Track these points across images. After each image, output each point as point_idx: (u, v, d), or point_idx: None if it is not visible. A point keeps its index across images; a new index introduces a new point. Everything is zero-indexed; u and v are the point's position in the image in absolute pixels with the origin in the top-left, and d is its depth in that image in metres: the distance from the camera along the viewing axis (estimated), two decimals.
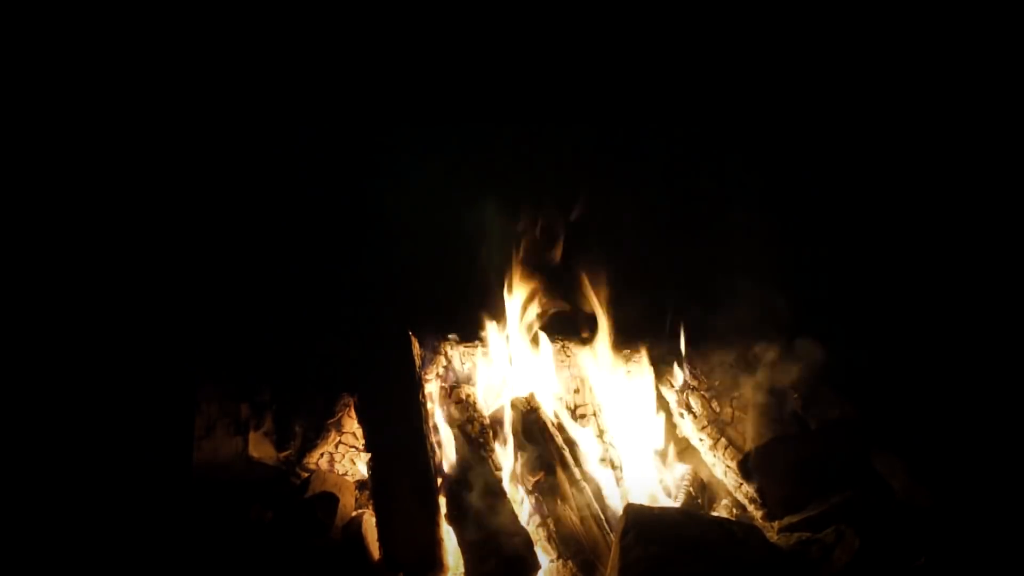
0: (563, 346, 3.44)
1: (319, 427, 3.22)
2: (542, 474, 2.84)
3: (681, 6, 4.10)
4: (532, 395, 3.13)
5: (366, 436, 2.88)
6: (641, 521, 2.35)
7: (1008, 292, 3.50)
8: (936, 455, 2.81)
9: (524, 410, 3.05)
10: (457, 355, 3.34)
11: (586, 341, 3.42)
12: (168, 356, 3.39)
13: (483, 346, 3.34)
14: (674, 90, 4.12)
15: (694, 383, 3.31)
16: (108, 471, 3.02)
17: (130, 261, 3.66)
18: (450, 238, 3.75)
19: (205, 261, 3.78)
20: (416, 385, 2.93)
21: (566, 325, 3.53)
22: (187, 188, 3.89)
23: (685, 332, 3.36)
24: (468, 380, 3.30)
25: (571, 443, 3.03)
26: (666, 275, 3.69)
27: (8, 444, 3.04)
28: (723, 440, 3.11)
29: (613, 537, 2.52)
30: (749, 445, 3.04)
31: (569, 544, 2.64)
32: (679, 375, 3.34)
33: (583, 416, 3.33)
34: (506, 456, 2.95)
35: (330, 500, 2.86)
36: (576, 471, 2.87)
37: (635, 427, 3.26)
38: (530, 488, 2.84)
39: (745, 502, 2.99)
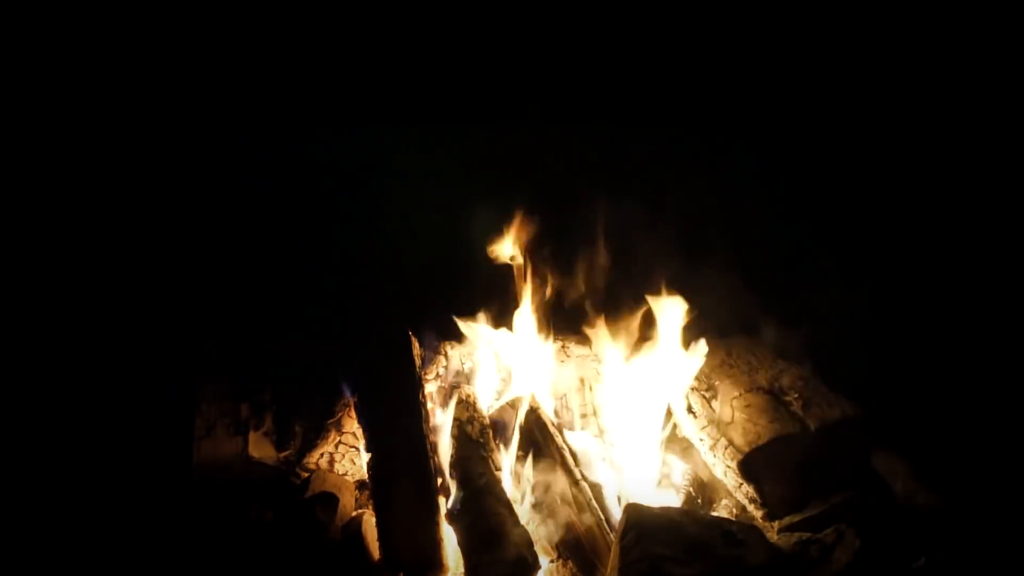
0: (563, 346, 3.44)
1: (319, 427, 3.22)
2: (542, 474, 2.84)
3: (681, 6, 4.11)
4: (532, 395, 3.13)
5: (366, 436, 2.88)
6: (641, 521, 2.35)
7: (1009, 292, 3.50)
8: (937, 455, 2.81)
9: (524, 410, 3.05)
10: (457, 355, 3.35)
11: (586, 341, 3.42)
12: (168, 356, 3.39)
13: (483, 347, 3.35)
14: (675, 90, 4.12)
15: (694, 383, 3.30)
16: (108, 471, 3.02)
17: (130, 261, 3.66)
18: (450, 238, 3.75)
19: (205, 261, 3.78)
20: (416, 385, 2.93)
21: (566, 325, 3.53)
22: (188, 188, 3.89)
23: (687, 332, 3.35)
24: (468, 380, 3.30)
25: (571, 443, 3.03)
26: (667, 275, 3.68)
27: (8, 444, 3.04)
28: (723, 440, 3.10)
29: (613, 537, 2.51)
30: (749, 445, 3.04)
31: (569, 544, 2.64)
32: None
33: (583, 416, 3.33)
34: (506, 456, 2.95)
35: (330, 500, 2.86)
36: (576, 471, 2.87)
37: (635, 427, 3.25)
38: (530, 488, 2.84)
39: (745, 502, 2.99)
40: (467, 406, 3.06)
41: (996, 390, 3.08)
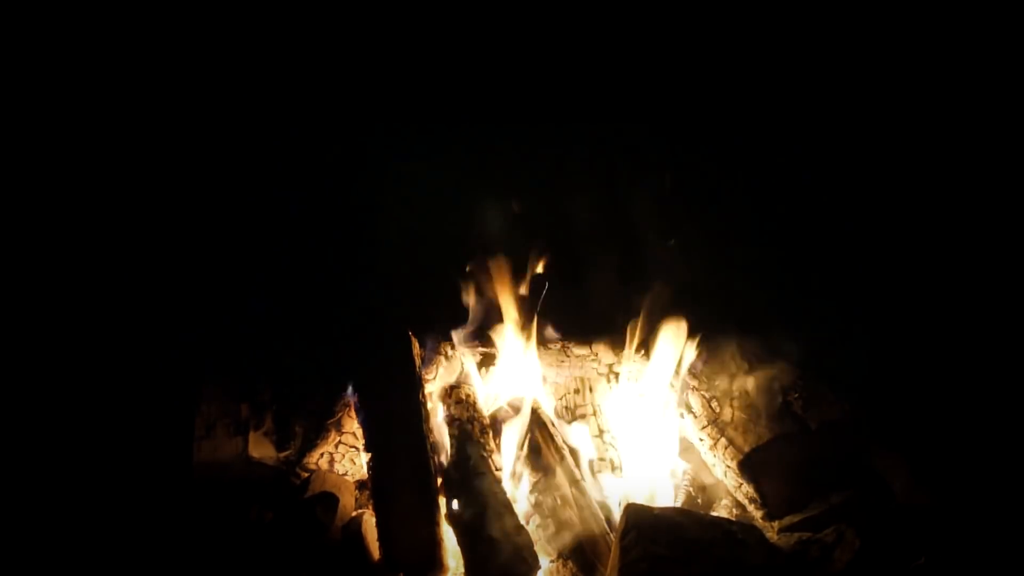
0: (563, 346, 3.44)
1: (319, 427, 3.22)
2: (542, 474, 2.84)
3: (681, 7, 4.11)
4: (532, 395, 3.13)
5: (366, 436, 2.88)
6: (641, 521, 2.34)
7: (1009, 291, 3.50)
8: (937, 455, 2.81)
9: (524, 410, 3.04)
10: (457, 355, 3.34)
11: (586, 341, 3.42)
12: (168, 356, 3.39)
13: (484, 346, 3.34)
14: (675, 88, 4.12)
15: (694, 383, 3.30)
16: (108, 471, 3.02)
17: (131, 262, 3.66)
18: (451, 238, 3.76)
19: (205, 261, 3.78)
20: (416, 385, 2.93)
21: (566, 325, 3.53)
22: (188, 188, 3.89)
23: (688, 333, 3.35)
24: (468, 380, 3.30)
25: (571, 443, 3.03)
26: (667, 275, 3.68)
27: (8, 444, 3.04)
28: (723, 440, 3.11)
29: (613, 537, 2.51)
30: (749, 445, 3.04)
31: (569, 544, 2.64)
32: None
33: (583, 416, 3.33)
34: (506, 456, 2.95)
35: (330, 500, 2.86)
36: (576, 471, 2.87)
37: (635, 427, 3.26)
38: (530, 488, 2.84)
39: (745, 502, 2.99)
40: (467, 406, 3.06)
41: (996, 390, 3.08)
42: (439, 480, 2.78)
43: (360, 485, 3.13)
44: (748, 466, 2.97)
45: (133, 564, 2.68)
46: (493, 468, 2.81)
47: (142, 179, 3.83)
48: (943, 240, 3.80)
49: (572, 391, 3.42)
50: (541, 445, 2.93)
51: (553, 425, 3.04)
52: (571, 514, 2.70)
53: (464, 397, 3.10)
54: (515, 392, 3.19)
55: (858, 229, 3.94)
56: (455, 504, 2.66)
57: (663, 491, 3.06)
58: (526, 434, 2.97)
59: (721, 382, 3.29)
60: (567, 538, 2.65)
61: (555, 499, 2.75)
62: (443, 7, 4.07)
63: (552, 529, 2.69)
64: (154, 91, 3.88)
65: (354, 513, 2.98)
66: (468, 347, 3.33)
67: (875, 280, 3.75)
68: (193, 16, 3.85)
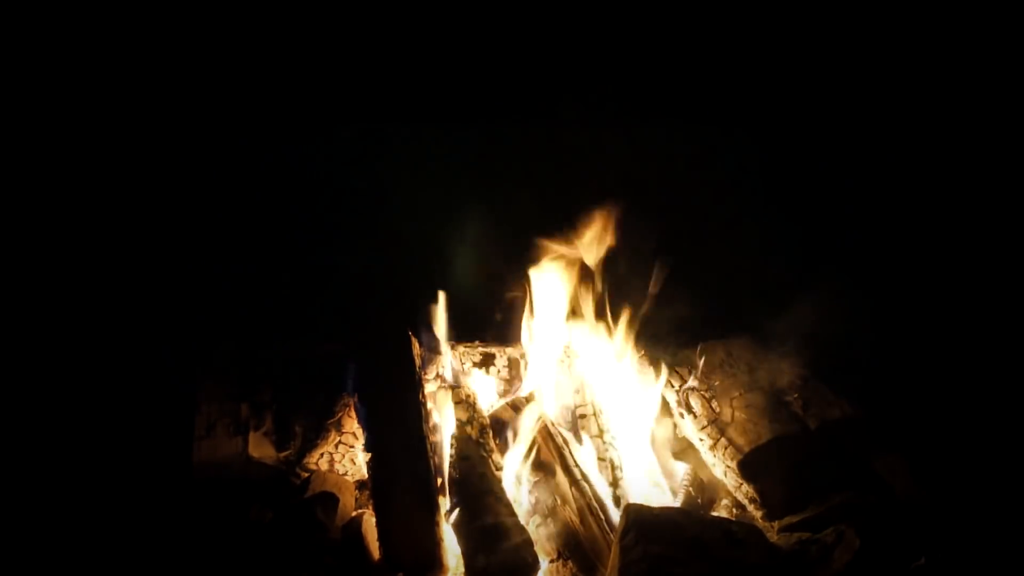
0: (564, 347, 3.44)
1: (319, 427, 3.22)
2: (542, 474, 2.84)
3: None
4: (532, 395, 3.13)
5: (366, 436, 2.88)
6: (641, 521, 2.35)
7: (1009, 291, 3.50)
8: (937, 455, 2.81)
9: (524, 410, 3.04)
10: (457, 355, 3.34)
11: (586, 341, 3.42)
12: (169, 356, 3.39)
13: (484, 346, 3.35)
14: (675, 86, 4.12)
15: (694, 383, 3.30)
16: (108, 471, 3.02)
17: (131, 261, 3.66)
18: (451, 238, 3.75)
19: (206, 261, 3.78)
20: (416, 385, 2.93)
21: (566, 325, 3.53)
22: (188, 189, 3.89)
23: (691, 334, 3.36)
24: (468, 380, 3.30)
25: (571, 443, 3.03)
26: (669, 276, 3.68)
27: (8, 444, 3.04)
28: (723, 440, 3.11)
29: (613, 537, 2.51)
30: (749, 445, 3.04)
31: (569, 544, 2.64)
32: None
33: (583, 416, 3.33)
34: (506, 456, 2.95)
35: (330, 500, 2.86)
36: (576, 471, 2.86)
37: (635, 427, 3.26)
38: (530, 488, 2.84)
39: (745, 502, 2.99)
40: (467, 406, 3.06)
41: (996, 390, 3.08)
42: (439, 480, 2.77)
43: (360, 485, 3.13)
44: (748, 466, 2.97)
45: (133, 563, 2.68)
46: (493, 468, 2.81)
47: (143, 179, 3.83)
48: (943, 240, 3.80)
49: (572, 391, 3.41)
50: (541, 445, 2.93)
51: (553, 425, 3.04)
52: (571, 514, 2.70)
53: (464, 397, 3.10)
54: (515, 392, 3.19)
55: (858, 229, 3.94)
56: (455, 504, 2.66)
57: (663, 491, 3.06)
58: (526, 434, 2.97)
59: (721, 382, 3.29)
60: (567, 538, 2.65)
61: (555, 499, 2.75)
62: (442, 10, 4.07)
63: (552, 529, 2.69)
64: (154, 91, 3.88)
65: (354, 513, 2.98)
66: (468, 347, 3.33)
67: (875, 280, 3.74)
68: (193, 16, 3.85)
